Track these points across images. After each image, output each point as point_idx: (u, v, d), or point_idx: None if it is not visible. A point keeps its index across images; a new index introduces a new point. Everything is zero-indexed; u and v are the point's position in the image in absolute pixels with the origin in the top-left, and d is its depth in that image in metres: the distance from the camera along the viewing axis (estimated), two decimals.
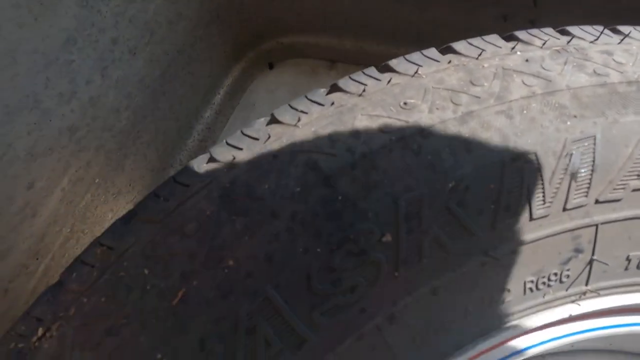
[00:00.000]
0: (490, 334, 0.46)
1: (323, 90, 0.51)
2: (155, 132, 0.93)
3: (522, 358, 0.51)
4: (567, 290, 0.47)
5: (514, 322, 0.47)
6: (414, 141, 0.44)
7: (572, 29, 0.54)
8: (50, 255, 0.77)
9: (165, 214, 0.43)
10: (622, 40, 0.53)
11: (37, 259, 0.75)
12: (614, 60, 0.50)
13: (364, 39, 1.09)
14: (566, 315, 0.47)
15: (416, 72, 0.49)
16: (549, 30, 0.55)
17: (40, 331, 0.40)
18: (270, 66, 1.21)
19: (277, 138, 0.46)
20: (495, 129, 0.45)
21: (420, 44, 0.57)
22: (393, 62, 0.51)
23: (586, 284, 0.47)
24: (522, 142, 0.44)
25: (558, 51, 0.51)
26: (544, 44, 0.52)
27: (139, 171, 0.93)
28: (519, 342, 0.48)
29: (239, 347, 0.38)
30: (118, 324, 0.38)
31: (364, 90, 0.48)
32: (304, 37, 1.14)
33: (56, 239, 0.77)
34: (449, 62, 0.50)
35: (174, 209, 0.43)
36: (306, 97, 0.50)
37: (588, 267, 0.47)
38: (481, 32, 0.55)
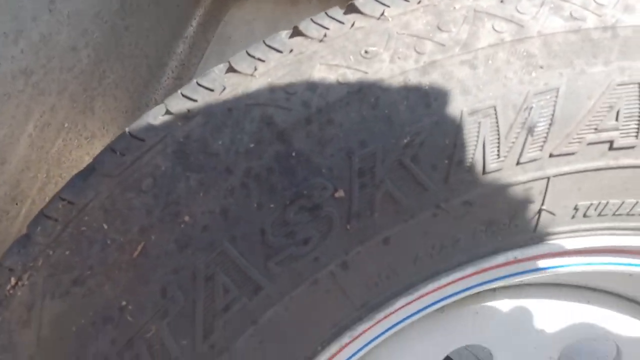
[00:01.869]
0: (439, 276, 0.49)
1: (285, 34, 0.48)
2: (123, 70, 0.89)
3: (474, 292, 0.55)
4: (515, 236, 0.50)
5: (465, 265, 0.51)
6: (372, 94, 0.42)
7: None
8: (30, 200, 0.79)
9: (122, 169, 0.43)
10: None
11: (17, 204, 0.77)
12: (595, 1, 0.47)
13: None
14: (511, 258, 0.51)
15: (382, 14, 0.46)
16: None
17: (12, 280, 0.43)
18: None
19: (233, 89, 0.44)
20: (456, 80, 0.43)
21: None
22: (359, 2, 0.47)
23: (534, 232, 0.50)
24: (483, 95, 0.43)
25: None
26: None
27: (111, 113, 0.90)
28: (469, 281, 0.52)
29: (198, 294, 0.41)
30: (83, 275, 0.40)
31: (325, 35, 0.45)
32: None
33: (33, 184, 0.78)
34: (419, 1, 0.47)
35: (131, 164, 0.43)
36: (264, 42, 0.47)
37: (537, 217, 0.49)
38: None
